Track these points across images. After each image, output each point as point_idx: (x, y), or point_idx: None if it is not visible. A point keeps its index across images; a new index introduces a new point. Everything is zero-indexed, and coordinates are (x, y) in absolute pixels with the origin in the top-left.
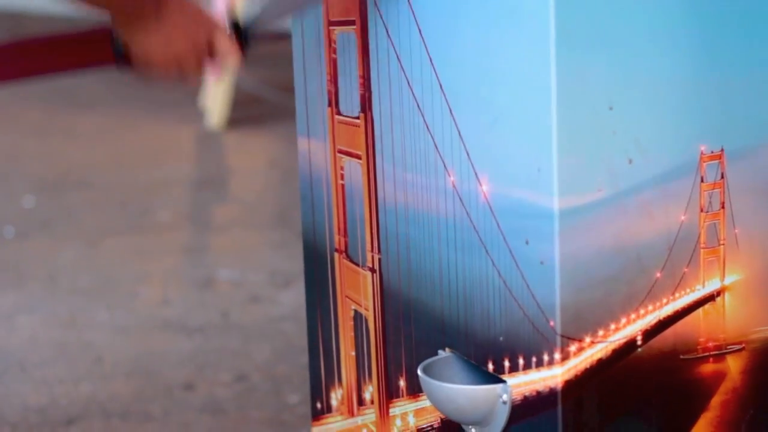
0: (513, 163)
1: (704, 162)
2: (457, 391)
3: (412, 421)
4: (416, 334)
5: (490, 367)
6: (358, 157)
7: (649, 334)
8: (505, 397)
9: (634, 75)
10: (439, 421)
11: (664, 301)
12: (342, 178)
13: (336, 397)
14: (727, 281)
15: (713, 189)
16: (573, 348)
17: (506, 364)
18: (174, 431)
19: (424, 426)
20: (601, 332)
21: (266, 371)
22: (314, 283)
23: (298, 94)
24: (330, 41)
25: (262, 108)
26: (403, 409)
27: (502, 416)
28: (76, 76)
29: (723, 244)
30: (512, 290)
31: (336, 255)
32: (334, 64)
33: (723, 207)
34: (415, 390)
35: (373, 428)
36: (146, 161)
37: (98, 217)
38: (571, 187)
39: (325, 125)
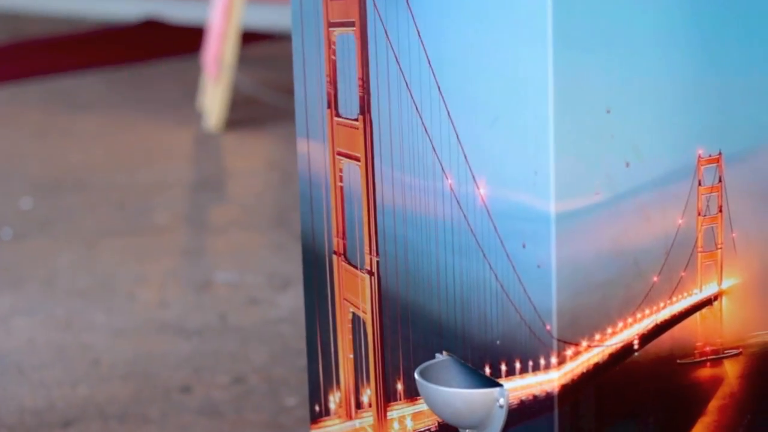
0: (510, 165)
1: (702, 165)
2: (454, 394)
3: (409, 424)
4: (414, 337)
5: (487, 370)
6: (357, 159)
7: (646, 338)
8: (501, 401)
9: (631, 77)
10: (436, 424)
11: (662, 305)
12: (341, 180)
13: (334, 400)
14: (725, 285)
15: (711, 192)
16: (569, 352)
17: (503, 367)
18: None
19: (422, 429)
20: (597, 336)
21: (264, 374)
22: (312, 285)
23: (297, 95)
24: (329, 42)
25: (260, 110)
26: (400, 412)
27: (499, 420)
28: (75, 76)
29: (720, 248)
30: (509, 294)
31: (334, 257)
32: (333, 66)
33: (720, 210)
34: (412, 393)
35: (371, 431)
36: (144, 163)
37: (96, 219)
38: (568, 191)
39: (324, 127)
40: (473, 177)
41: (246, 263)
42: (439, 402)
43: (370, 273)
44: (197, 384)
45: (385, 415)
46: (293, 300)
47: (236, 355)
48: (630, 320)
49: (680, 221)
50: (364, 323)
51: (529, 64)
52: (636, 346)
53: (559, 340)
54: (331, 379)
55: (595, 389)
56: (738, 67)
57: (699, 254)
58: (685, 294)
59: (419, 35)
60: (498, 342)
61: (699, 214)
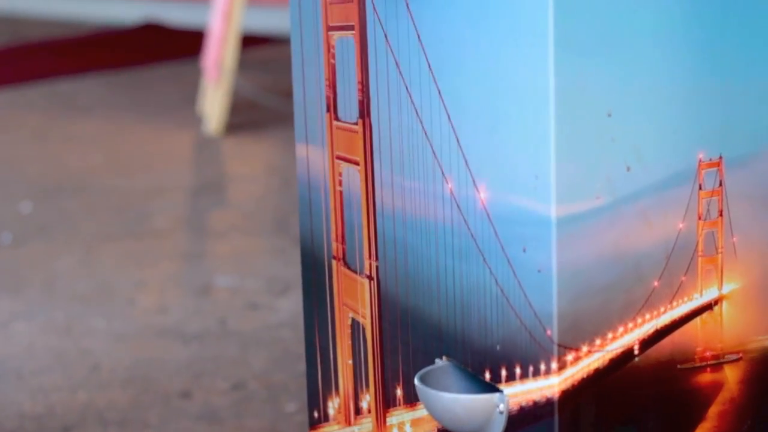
0: (511, 169)
1: (703, 169)
2: (454, 400)
3: (409, 430)
4: (413, 342)
5: (487, 376)
6: (357, 163)
7: (647, 343)
8: (501, 406)
9: (633, 81)
10: (435, 430)
11: (662, 309)
12: (340, 184)
13: (333, 405)
14: (725, 290)
15: (711, 196)
16: (570, 357)
17: (503, 373)
18: None
19: None
20: (598, 341)
21: (264, 379)
22: (312, 290)
23: (297, 99)
24: (329, 46)
25: (261, 113)
26: (400, 418)
27: (499, 426)
28: (75, 80)
29: (721, 253)
30: (509, 298)
31: (334, 262)
32: (332, 70)
33: (721, 215)
34: (412, 399)
35: None
36: (144, 167)
37: (95, 223)
38: (569, 195)
39: (324, 131)
40: (473, 181)
41: (246, 268)
42: (439, 408)
43: (370, 278)
44: (197, 389)
45: (385, 421)
46: (293, 305)
47: (236, 361)
48: (630, 325)
49: (681, 225)
50: (363, 328)
51: (529, 67)
52: (636, 351)
53: (559, 345)
54: (330, 384)
55: (596, 395)
56: (739, 70)
57: (699, 258)
58: (686, 299)
59: (419, 39)
60: (498, 347)
61: (700, 219)
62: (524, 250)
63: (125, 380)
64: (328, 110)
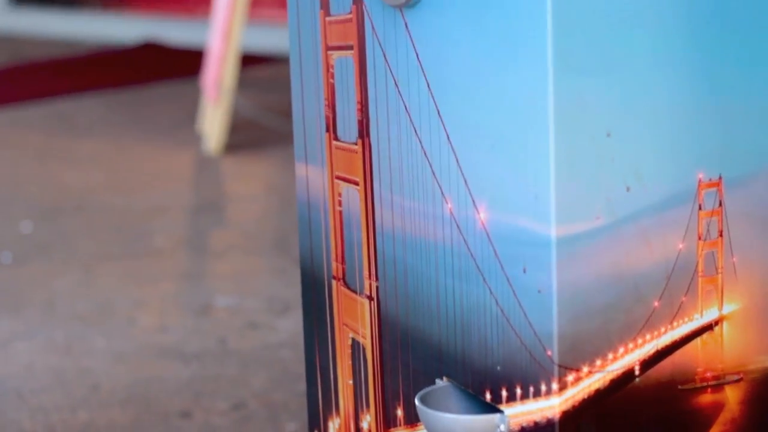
0: (510, 190)
1: (702, 189)
2: (455, 421)
3: None
4: (414, 362)
5: (488, 396)
6: (356, 183)
7: (647, 363)
8: (502, 427)
9: (632, 101)
10: None
11: (662, 330)
12: (340, 204)
13: (333, 426)
14: (726, 310)
15: (711, 217)
16: (570, 378)
17: (504, 393)
18: None
19: None
20: (598, 362)
21: (264, 399)
22: (312, 310)
23: (296, 119)
24: (328, 66)
25: (260, 133)
26: None
27: None
28: (75, 99)
29: (721, 273)
30: (510, 319)
31: (334, 282)
32: (331, 89)
33: (721, 235)
34: (412, 419)
35: None
36: (143, 186)
37: (95, 242)
38: (568, 215)
39: (323, 151)
40: (473, 201)
41: (246, 287)
42: (440, 428)
43: (370, 298)
44: (197, 409)
45: None
46: (293, 324)
47: (236, 380)
48: (631, 345)
49: (681, 246)
50: (363, 348)
51: (529, 87)
52: (637, 372)
53: (560, 366)
54: (330, 404)
55: (597, 415)
56: (738, 91)
57: (700, 279)
58: (686, 319)
59: (418, 59)
60: (498, 367)
61: (699, 239)
62: (524, 270)
63: (125, 399)
64: (328, 130)
